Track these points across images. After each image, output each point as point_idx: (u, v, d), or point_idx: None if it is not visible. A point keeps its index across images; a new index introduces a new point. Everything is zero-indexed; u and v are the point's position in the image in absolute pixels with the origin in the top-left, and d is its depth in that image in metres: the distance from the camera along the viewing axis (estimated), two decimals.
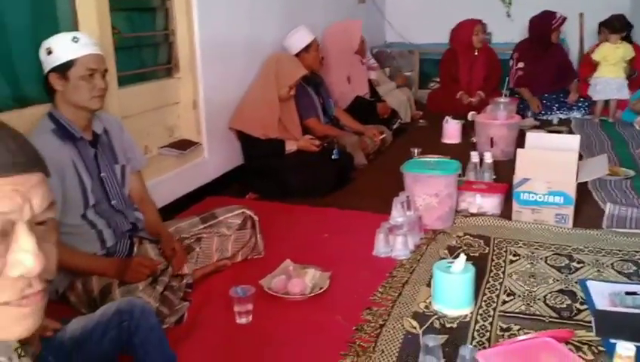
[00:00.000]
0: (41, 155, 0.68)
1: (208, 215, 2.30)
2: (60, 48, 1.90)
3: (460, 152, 3.55)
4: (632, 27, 4.88)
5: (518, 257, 2.36)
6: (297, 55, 3.72)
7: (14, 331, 0.65)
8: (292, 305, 2.05)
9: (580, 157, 3.38)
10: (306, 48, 3.74)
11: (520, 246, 2.45)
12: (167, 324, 1.87)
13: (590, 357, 1.68)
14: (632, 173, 3.29)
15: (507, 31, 5.76)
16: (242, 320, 1.95)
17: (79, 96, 1.91)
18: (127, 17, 2.87)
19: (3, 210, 0.61)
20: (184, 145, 3.13)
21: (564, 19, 4.88)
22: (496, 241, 2.51)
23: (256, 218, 2.38)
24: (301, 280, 2.12)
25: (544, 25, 4.90)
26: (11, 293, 0.62)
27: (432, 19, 5.85)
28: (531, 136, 2.95)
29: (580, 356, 1.64)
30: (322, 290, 2.11)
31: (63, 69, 1.89)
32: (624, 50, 4.56)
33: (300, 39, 3.75)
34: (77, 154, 1.96)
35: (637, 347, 1.55)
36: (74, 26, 2.40)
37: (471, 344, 1.74)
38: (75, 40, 1.92)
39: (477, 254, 2.39)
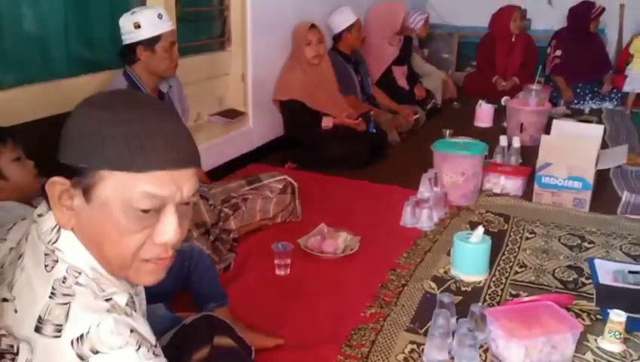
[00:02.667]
0: (198, 152, 0.87)
1: (254, 178, 2.57)
2: (148, 24, 2.20)
3: (491, 136, 3.71)
4: None
5: (534, 235, 2.56)
6: (340, 34, 3.93)
7: (145, 280, 0.88)
8: (325, 262, 2.31)
9: (606, 147, 3.54)
10: (349, 28, 3.94)
11: (537, 226, 2.66)
12: (217, 270, 2.15)
13: (588, 322, 1.90)
14: None
15: (547, 18, 5.80)
16: (281, 272, 2.22)
17: (162, 66, 2.23)
18: None
19: (162, 195, 0.81)
20: (232, 115, 3.39)
21: (603, 9, 4.93)
22: (515, 220, 2.71)
23: (295, 185, 2.64)
24: (334, 241, 2.37)
25: (583, 14, 4.97)
26: (153, 254, 0.85)
27: (473, 3, 5.92)
28: (557, 124, 3.13)
29: (578, 321, 1.85)
30: (352, 251, 2.36)
31: (151, 42, 2.18)
32: None
33: (343, 19, 3.94)
34: None
35: (629, 316, 1.77)
36: (143, 1, 2.66)
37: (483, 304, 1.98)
38: (160, 17, 2.22)
39: (496, 230, 2.60)
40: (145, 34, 2.19)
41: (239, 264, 2.28)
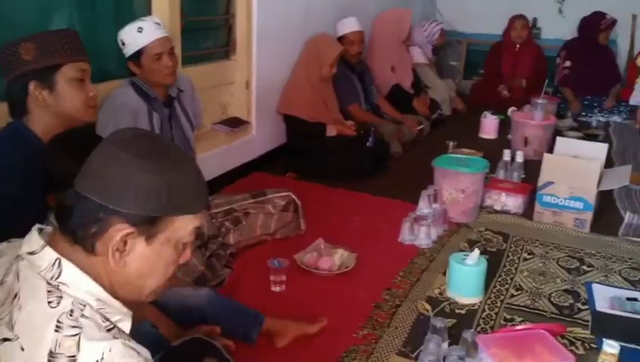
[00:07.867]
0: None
1: (259, 192, 2.58)
2: (129, 40, 2.22)
3: (495, 148, 3.70)
4: None
5: (532, 256, 2.55)
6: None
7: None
8: (320, 279, 2.31)
9: (612, 163, 3.51)
10: (340, 38, 3.92)
11: (536, 246, 2.64)
12: (210, 286, 2.14)
13: (582, 352, 1.88)
14: None
15: (558, 27, 5.73)
16: (276, 289, 2.22)
17: (154, 77, 2.23)
18: (194, 1, 3.10)
19: (189, 241, 0.96)
20: (235, 123, 3.39)
21: (614, 21, 4.89)
22: (514, 239, 2.70)
23: (299, 203, 2.64)
24: (330, 258, 2.37)
25: (592, 25, 4.94)
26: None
27: (483, 10, 5.89)
28: (561, 141, 3.11)
29: (571, 350, 1.84)
30: (348, 269, 2.36)
31: (135, 57, 2.19)
32: None
33: (338, 29, 3.96)
34: (152, 109, 2.27)
35: (622, 346, 1.75)
36: (148, 11, 2.66)
37: (475, 330, 1.97)
38: (140, 30, 2.21)
39: (494, 249, 2.59)
40: (129, 50, 2.22)
41: (234, 279, 2.28)
